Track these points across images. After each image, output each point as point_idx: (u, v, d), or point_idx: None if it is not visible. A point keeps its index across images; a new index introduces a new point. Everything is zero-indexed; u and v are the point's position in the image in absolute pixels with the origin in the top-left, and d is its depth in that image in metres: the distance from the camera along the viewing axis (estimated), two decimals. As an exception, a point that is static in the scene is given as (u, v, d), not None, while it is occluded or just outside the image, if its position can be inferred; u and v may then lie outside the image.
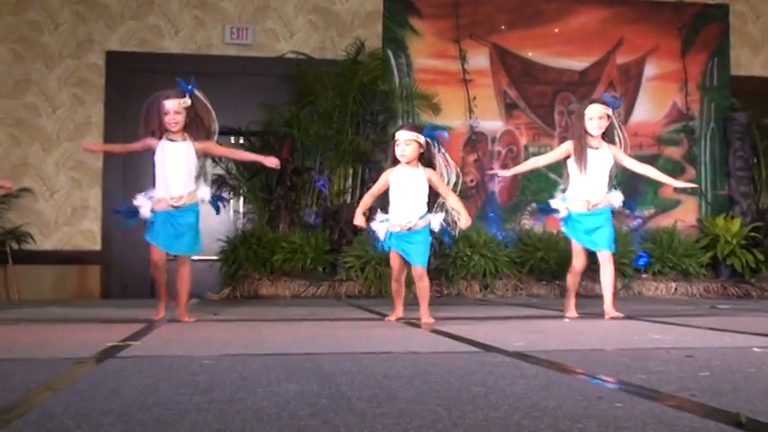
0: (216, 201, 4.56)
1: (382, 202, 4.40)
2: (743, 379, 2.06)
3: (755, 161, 8.83)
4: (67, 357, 2.56)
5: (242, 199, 8.38)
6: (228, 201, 4.74)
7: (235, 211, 8.51)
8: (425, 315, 4.22)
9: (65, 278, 8.04)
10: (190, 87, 4.38)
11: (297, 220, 7.94)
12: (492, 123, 8.50)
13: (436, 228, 4.29)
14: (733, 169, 8.71)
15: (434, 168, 4.29)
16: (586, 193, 4.56)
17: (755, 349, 2.78)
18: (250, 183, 8.06)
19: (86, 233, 8.17)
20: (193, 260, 4.54)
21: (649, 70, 8.85)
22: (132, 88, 8.25)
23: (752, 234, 8.28)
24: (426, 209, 4.28)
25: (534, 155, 8.46)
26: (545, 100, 8.64)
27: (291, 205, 7.99)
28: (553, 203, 4.73)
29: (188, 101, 4.33)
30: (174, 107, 4.29)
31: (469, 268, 7.51)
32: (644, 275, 8.00)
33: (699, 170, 8.78)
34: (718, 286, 8.04)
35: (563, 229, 4.78)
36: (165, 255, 4.33)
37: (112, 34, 8.37)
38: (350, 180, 8.14)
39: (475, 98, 8.43)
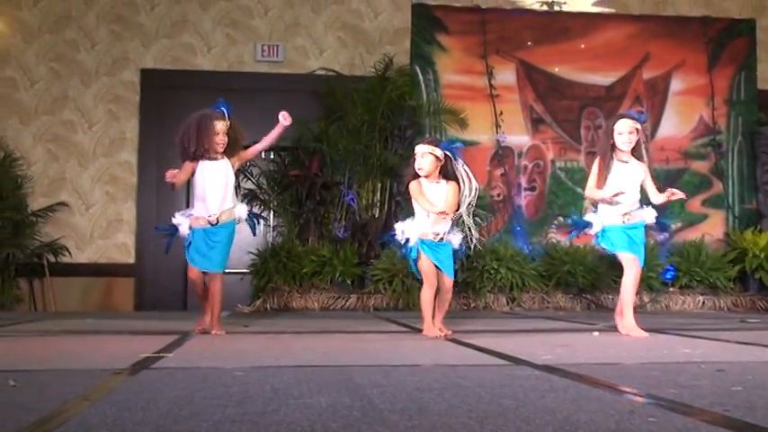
0: (252, 219, 4.60)
1: (406, 213, 4.41)
2: (776, 394, 2.01)
3: (783, 175, 8.69)
4: (103, 368, 2.58)
5: (272, 213, 8.41)
6: (266, 219, 4.78)
7: (265, 225, 8.54)
8: (443, 326, 4.30)
9: (99, 290, 8.12)
10: (228, 108, 4.47)
11: (326, 233, 7.95)
12: (518, 138, 8.46)
13: (456, 245, 4.34)
14: (760, 183, 8.59)
15: (457, 181, 4.29)
16: (619, 207, 4.43)
17: (787, 364, 2.72)
18: (280, 197, 8.08)
19: (120, 246, 8.24)
20: (225, 273, 4.55)
21: (676, 85, 8.76)
22: (166, 105, 8.35)
23: (780, 248, 8.14)
24: (449, 224, 4.31)
25: (561, 169, 8.44)
26: (571, 115, 8.58)
27: (321, 219, 8.01)
28: (588, 217, 4.62)
29: (229, 122, 4.42)
30: (223, 129, 4.38)
31: (496, 281, 7.46)
32: (671, 289, 7.90)
33: (726, 184, 8.67)
34: (746, 300, 7.91)
35: (602, 244, 4.53)
36: (200, 272, 4.40)
37: (147, 52, 8.47)
38: (378, 194, 8.13)
39: (501, 113, 8.39)
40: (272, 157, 8.33)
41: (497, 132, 8.36)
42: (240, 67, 8.59)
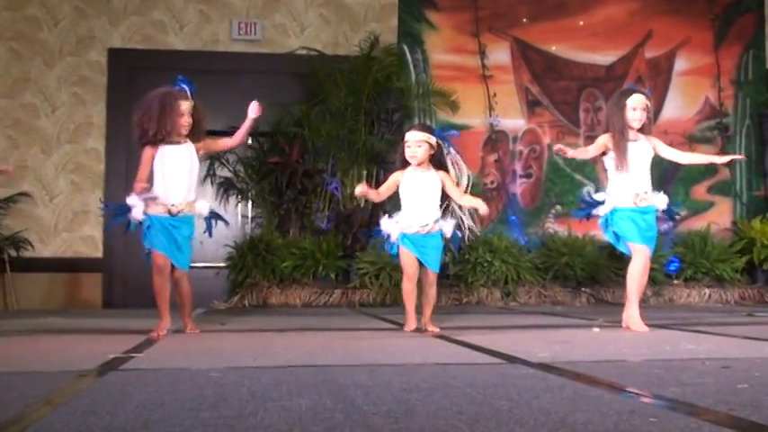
0: (211, 219, 4.40)
1: (391, 206, 4.42)
2: (784, 392, 2.03)
3: (793, 160, 8.75)
4: (68, 370, 2.57)
5: (250, 203, 8.39)
6: (227, 222, 4.64)
7: (243, 216, 8.52)
8: (431, 324, 4.32)
9: (64, 287, 8.08)
10: (191, 86, 4.32)
11: (308, 224, 7.94)
12: (513, 122, 8.48)
13: (449, 234, 4.36)
14: (769, 168, 8.64)
15: (446, 170, 4.33)
16: (632, 188, 4.41)
17: (797, 360, 2.75)
18: (259, 186, 8.07)
19: (87, 240, 8.20)
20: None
21: (680, 64, 8.80)
22: (135, 87, 8.26)
23: (790, 237, 8.20)
24: (440, 212, 4.33)
25: (558, 155, 8.44)
26: (569, 96, 8.60)
27: (302, 209, 7.99)
28: (597, 196, 4.58)
29: (192, 102, 4.26)
30: (188, 109, 4.21)
31: (490, 275, 7.48)
32: (675, 282, 7.94)
33: (733, 170, 8.72)
34: (754, 293, 7.98)
35: (604, 228, 4.49)
36: (169, 261, 4.21)
37: (114, 30, 8.41)
38: (364, 182, 8.12)
39: (495, 95, 8.41)
40: (249, 142, 8.29)
41: (490, 116, 8.38)
42: (215, 47, 8.55)
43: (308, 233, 7.80)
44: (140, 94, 8.26)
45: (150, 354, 3.19)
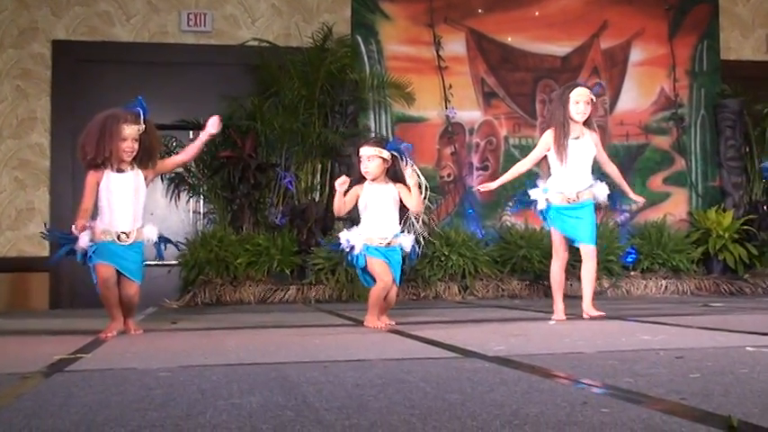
0: (160, 243, 4.25)
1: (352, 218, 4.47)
2: (735, 380, 2.07)
3: (747, 150, 8.92)
4: (11, 372, 2.53)
5: (202, 198, 8.33)
6: (176, 244, 4.52)
7: (194, 212, 8.45)
8: (387, 317, 4.41)
9: (9, 287, 7.93)
10: (145, 109, 4.10)
11: (261, 220, 7.91)
12: (469, 113, 8.52)
13: (408, 248, 4.39)
14: (724, 159, 8.80)
15: (403, 183, 4.36)
16: (568, 186, 4.55)
17: (749, 348, 2.81)
18: (211, 181, 8.01)
19: (33, 238, 8.06)
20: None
21: (635, 55, 8.92)
22: (81, 80, 8.18)
23: (744, 227, 8.38)
24: (399, 227, 4.39)
25: (515, 147, 8.52)
26: (525, 88, 8.67)
27: (255, 204, 7.96)
28: (532, 193, 4.70)
29: (144, 127, 4.03)
30: (133, 134, 3.99)
31: (447, 269, 7.53)
32: (632, 273, 8.07)
33: (688, 160, 8.87)
34: (710, 283, 8.13)
35: (543, 220, 4.75)
36: (114, 271, 4.02)
37: (58, 22, 8.28)
38: (318, 176, 8.12)
39: (451, 87, 8.44)
40: (200, 136, 8.22)
41: (446, 108, 8.41)
42: (163, 38, 8.45)
43: (262, 229, 7.77)
44: (86, 87, 8.20)
45: (98, 354, 3.16)
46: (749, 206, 8.73)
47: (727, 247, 8.22)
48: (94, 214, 4.08)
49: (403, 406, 1.77)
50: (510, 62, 8.65)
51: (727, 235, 8.22)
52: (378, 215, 4.33)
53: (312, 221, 7.70)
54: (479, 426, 1.54)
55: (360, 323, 4.47)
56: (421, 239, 4.57)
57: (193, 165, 8.03)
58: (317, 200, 7.95)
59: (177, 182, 8.03)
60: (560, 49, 8.75)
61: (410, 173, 4.34)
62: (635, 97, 8.88)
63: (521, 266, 7.76)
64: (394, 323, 4.30)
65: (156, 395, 1.99)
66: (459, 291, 7.60)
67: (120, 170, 4.05)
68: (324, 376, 2.27)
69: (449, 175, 8.40)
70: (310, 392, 1.98)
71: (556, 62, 8.75)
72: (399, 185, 4.36)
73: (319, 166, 8.11)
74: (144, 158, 4.10)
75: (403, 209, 4.40)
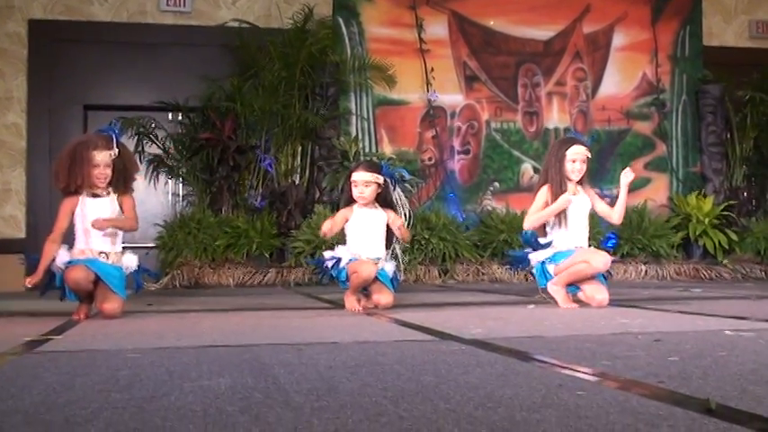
0: (140, 274, 4.14)
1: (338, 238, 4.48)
2: (713, 363, 2.05)
3: (728, 136, 8.93)
4: (-23, 353, 2.47)
5: (181, 180, 8.24)
6: (157, 276, 4.35)
7: (173, 194, 8.37)
8: (363, 298, 4.36)
9: (-15, 269, 7.83)
10: (117, 132, 4.03)
11: (241, 202, 7.85)
12: (451, 97, 8.47)
13: (390, 274, 4.37)
14: (705, 145, 8.81)
15: (393, 208, 4.36)
16: (568, 245, 4.42)
17: (727, 332, 2.79)
18: (189, 163, 7.93)
19: (8, 219, 7.97)
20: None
21: (618, 40, 8.89)
22: (57, 60, 8.06)
23: (725, 213, 8.40)
24: (384, 253, 4.39)
25: (496, 131, 8.49)
26: (507, 72, 8.63)
27: (235, 187, 7.89)
28: (533, 258, 4.50)
29: (117, 151, 3.94)
30: (105, 160, 3.89)
31: (428, 252, 7.50)
32: (612, 258, 8.04)
33: (670, 146, 8.87)
34: (689, 268, 8.14)
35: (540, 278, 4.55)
36: (88, 275, 3.87)
37: (35, 0, 8.14)
38: (298, 159, 8.06)
39: (432, 70, 8.39)
40: (179, 118, 8.14)
41: (428, 91, 8.36)
42: (142, 18, 8.34)
43: (242, 211, 7.72)
44: (63, 67, 8.08)
45: (70, 336, 3.10)
46: (729, 192, 8.75)
47: (707, 233, 8.23)
48: (70, 240, 3.98)
49: (375, 388, 1.73)
50: (492, 46, 8.60)
51: (707, 220, 8.23)
52: (365, 239, 4.30)
53: (292, 204, 7.65)
54: (452, 408, 1.50)
55: (338, 306, 4.43)
56: (401, 267, 4.58)
57: (172, 146, 7.95)
58: (296, 182, 7.89)
59: (156, 163, 7.95)
60: (543, 33, 8.71)
61: (404, 202, 4.34)
62: (617, 82, 8.85)
63: (501, 251, 7.73)
64: (372, 306, 4.26)
65: (122, 376, 1.93)
66: (440, 274, 7.57)
67: (95, 195, 3.97)
68: (297, 358, 2.23)
69: (430, 159, 8.35)
70: (281, 374, 1.93)
71: (538, 46, 8.71)
72: (389, 212, 4.33)
73: (299, 148, 8.04)
74: (119, 183, 4.00)
75: (389, 235, 4.37)
